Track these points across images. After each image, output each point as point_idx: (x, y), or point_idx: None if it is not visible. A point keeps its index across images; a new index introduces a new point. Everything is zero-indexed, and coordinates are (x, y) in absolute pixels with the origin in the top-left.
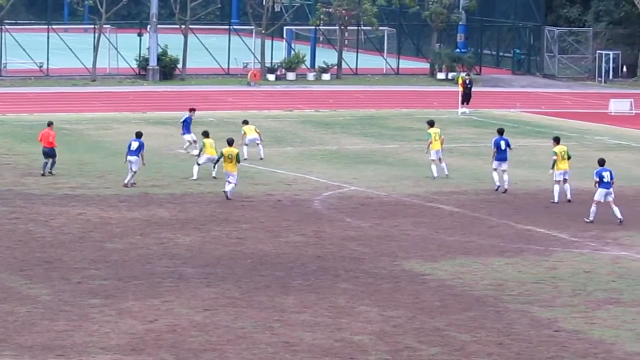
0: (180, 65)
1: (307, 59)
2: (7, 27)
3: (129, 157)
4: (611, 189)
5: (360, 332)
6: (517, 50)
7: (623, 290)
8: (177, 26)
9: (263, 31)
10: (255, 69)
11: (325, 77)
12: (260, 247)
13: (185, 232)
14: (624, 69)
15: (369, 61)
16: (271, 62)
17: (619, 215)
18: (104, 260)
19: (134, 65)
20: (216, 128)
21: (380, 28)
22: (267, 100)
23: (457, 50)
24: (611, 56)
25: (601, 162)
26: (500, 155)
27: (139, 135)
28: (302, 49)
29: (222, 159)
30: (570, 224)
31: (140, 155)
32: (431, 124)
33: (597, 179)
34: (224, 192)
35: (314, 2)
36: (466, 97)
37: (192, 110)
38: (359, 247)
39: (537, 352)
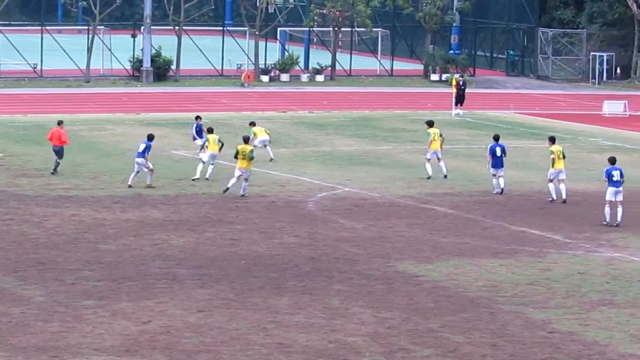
0: (174, 67)
1: (301, 60)
2: (0, 28)
3: (135, 159)
4: (620, 188)
5: (354, 334)
6: (511, 52)
7: (617, 292)
8: (171, 27)
9: (257, 32)
10: (249, 70)
11: (319, 78)
12: (254, 248)
13: (179, 233)
14: (618, 70)
15: (363, 62)
16: (265, 64)
17: (619, 218)
18: (98, 262)
19: (128, 66)
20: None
21: (374, 29)
22: (261, 101)
23: (451, 51)
24: (605, 58)
25: (612, 161)
26: (495, 161)
27: (149, 137)
28: (296, 50)
29: (237, 156)
30: (564, 226)
31: (145, 157)
32: (430, 124)
33: (606, 178)
34: (242, 194)
35: (307, 4)
36: (460, 99)
37: (198, 118)
38: (352, 248)
39: (531, 354)
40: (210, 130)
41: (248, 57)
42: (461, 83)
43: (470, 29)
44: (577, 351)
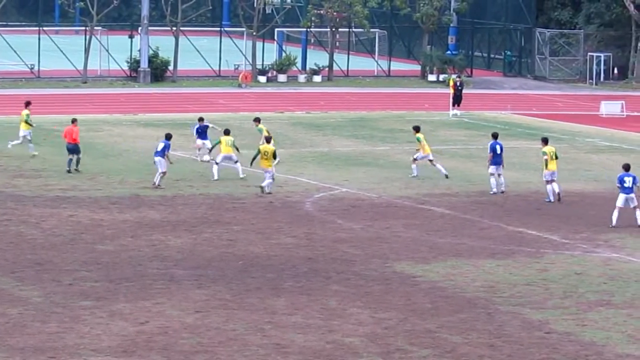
0: (171, 67)
1: (298, 60)
2: None
3: (154, 158)
4: (632, 195)
5: (351, 334)
6: (508, 52)
7: (614, 292)
8: (168, 28)
9: (254, 33)
10: (246, 70)
11: (317, 79)
12: (251, 249)
13: (176, 234)
14: (615, 71)
15: (360, 63)
16: (262, 64)
17: (638, 221)
18: (95, 262)
19: (125, 67)
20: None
21: (372, 30)
22: (258, 102)
23: (448, 52)
24: (602, 58)
25: (626, 168)
26: (497, 159)
27: (167, 136)
28: (293, 50)
29: (258, 156)
30: (562, 226)
31: (165, 155)
32: (417, 129)
33: (618, 184)
34: (260, 186)
35: (305, 4)
36: (457, 99)
37: (200, 119)
38: (350, 249)
39: (528, 354)
40: (226, 132)
41: (245, 58)
42: (458, 84)
43: (468, 30)
44: (575, 352)
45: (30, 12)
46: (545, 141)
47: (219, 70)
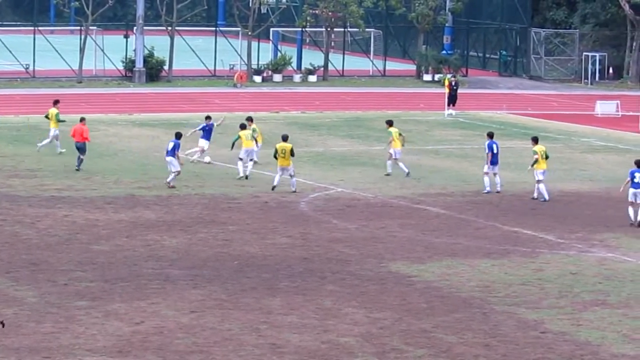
0: (166, 67)
1: (294, 60)
2: None
3: (166, 158)
4: None
5: (346, 334)
6: (504, 52)
7: (609, 292)
8: (164, 28)
9: (249, 33)
10: (241, 70)
11: (312, 78)
12: (246, 249)
13: (171, 234)
14: (610, 70)
15: (356, 63)
16: (257, 64)
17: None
18: (91, 262)
19: (120, 67)
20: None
21: (367, 30)
22: (254, 101)
23: (444, 52)
24: (597, 58)
25: (638, 163)
26: (493, 158)
27: (177, 135)
28: (289, 50)
29: (276, 155)
30: (557, 226)
31: (175, 155)
32: (390, 123)
33: (629, 179)
34: (293, 190)
35: (300, 4)
36: (452, 99)
37: (207, 118)
38: (345, 248)
39: (523, 354)
40: (242, 127)
41: (241, 58)
42: (453, 83)
43: (463, 30)
44: (570, 351)
45: (26, 11)
46: (535, 140)
47: (214, 70)
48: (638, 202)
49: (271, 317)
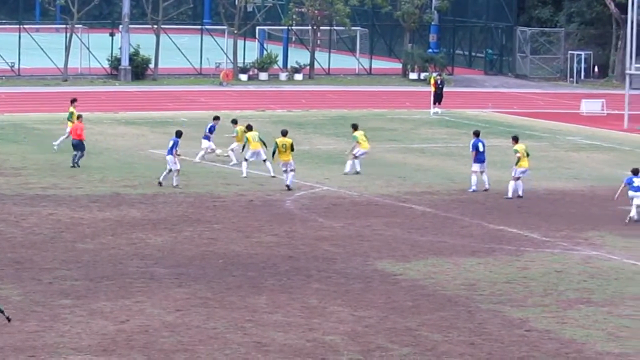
0: (152, 65)
1: (280, 59)
2: None
3: (166, 157)
4: (639, 193)
5: (332, 332)
6: (490, 51)
7: (594, 290)
8: (149, 26)
9: (235, 31)
10: (227, 69)
11: (298, 77)
12: (232, 247)
13: (156, 232)
14: (596, 69)
15: (342, 61)
16: (243, 62)
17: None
18: (75, 261)
19: (106, 65)
20: (189, 128)
21: (353, 28)
22: (240, 100)
23: (430, 50)
24: (583, 56)
25: (635, 172)
26: (480, 156)
27: (177, 134)
28: (275, 49)
29: (277, 150)
30: (542, 224)
31: (173, 153)
32: (355, 127)
33: (626, 184)
34: (286, 185)
35: (286, 2)
36: (438, 98)
37: (216, 118)
38: (331, 247)
39: (508, 352)
40: (249, 128)
41: (227, 56)
42: (439, 82)
43: (449, 28)
44: (555, 349)
45: (11, 9)
46: (515, 139)
47: (200, 68)
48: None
49: (256, 316)
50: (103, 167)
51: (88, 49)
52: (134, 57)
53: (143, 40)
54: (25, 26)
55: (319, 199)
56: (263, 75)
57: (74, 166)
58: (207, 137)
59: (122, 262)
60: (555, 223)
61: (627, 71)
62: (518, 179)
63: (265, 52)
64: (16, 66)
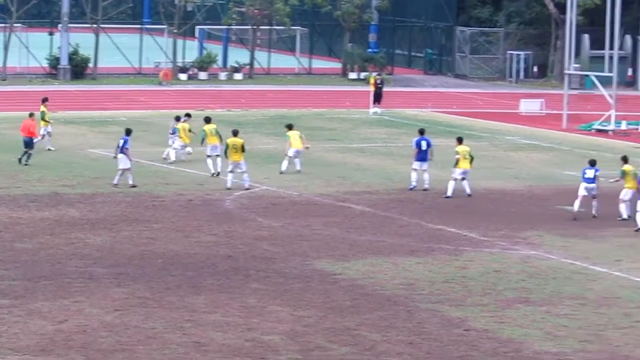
0: (91, 65)
1: (219, 58)
2: None
3: (117, 156)
4: (593, 185)
5: (271, 332)
6: (429, 51)
7: (532, 290)
8: (89, 25)
9: (175, 30)
10: (167, 68)
11: (238, 76)
12: (171, 247)
13: (95, 232)
14: (535, 69)
15: (282, 61)
16: (183, 62)
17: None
18: (14, 261)
19: (45, 64)
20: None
21: (293, 27)
22: (179, 99)
23: (369, 50)
24: (522, 56)
25: (592, 163)
26: (421, 155)
27: (127, 132)
28: (214, 48)
29: (228, 150)
30: (481, 224)
31: (124, 152)
32: (289, 127)
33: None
34: (247, 187)
35: (226, 2)
36: (378, 97)
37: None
38: (270, 246)
39: (447, 351)
40: (207, 120)
41: (166, 55)
42: (379, 81)
43: (389, 28)
44: (493, 349)
45: None
46: (459, 140)
47: (140, 67)
48: (592, 194)
49: (195, 316)
50: (42, 166)
51: (27, 48)
52: (73, 56)
53: (82, 40)
54: None
55: (258, 198)
56: (203, 75)
57: (21, 162)
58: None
59: (60, 262)
60: (494, 222)
61: (566, 71)
62: (463, 179)
63: (204, 52)
64: None
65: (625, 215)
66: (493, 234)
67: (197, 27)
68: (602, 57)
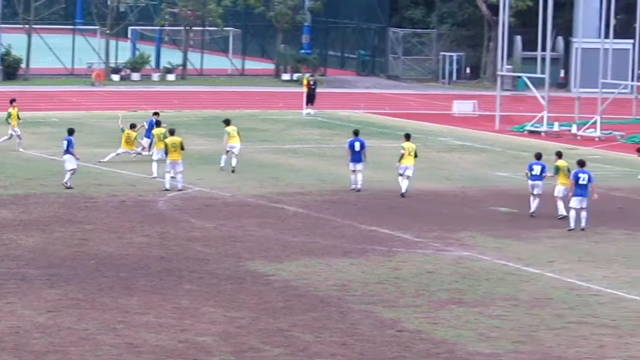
0: (24, 65)
1: (152, 59)
2: None
3: (63, 157)
4: (539, 182)
5: (204, 333)
6: (362, 52)
7: (465, 291)
8: (21, 26)
9: (108, 31)
10: (99, 69)
11: (170, 77)
12: (103, 248)
13: (28, 233)
14: (467, 70)
15: (214, 62)
16: (116, 63)
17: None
18: None
19: None
20: (60, 128)
21: (226, 28)
22: (112, 100)
23: (302, 51)
24: (455, 58)
25: (538, 156)
26: (354, 156)
27: (69, 131)
28: (147, 49)
29: (167, 150)
30: (414, 225)
31: (70, 152)
32: (227, 122)
33: (528, 171)
34: (171, 187)
35: (159, 2)
36: (311, 98)
37: (155, 114)
38: (203, 248)
39: (380, 353)
40: (158, 124)
41: (99, 56)
42: (312, 82)
43: (322, 29)
44: (426, 350)
45: None
46: (407, 137)
47: (72, 68)
48: (536, 193)
49: (128, 317)
50: None
51: None
52: (5, 56)
53: (14, 40)
54: None
55: (192, 199)
56: (135, 76)
57: None
58: (148, 135)
59: None
60: (427, 224)
61: (499, 72)
62: (401, 175)
63: (137, 53)
64: None
65: (564, 212)
66: (426, 235)
67: (130, 28)
68: (534, 59)
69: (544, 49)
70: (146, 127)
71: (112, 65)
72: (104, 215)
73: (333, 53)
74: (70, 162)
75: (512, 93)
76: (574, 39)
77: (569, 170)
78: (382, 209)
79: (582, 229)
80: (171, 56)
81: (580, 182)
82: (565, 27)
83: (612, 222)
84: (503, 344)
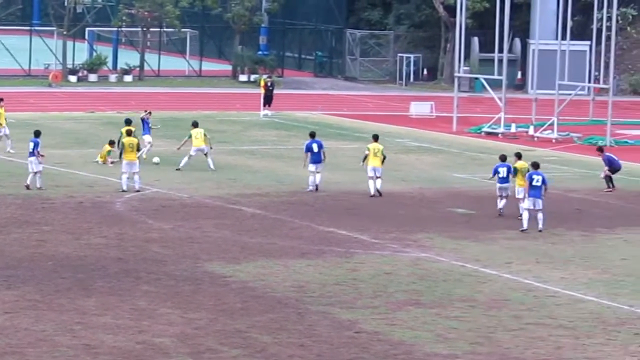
0: None
1: (109, 60)
2: None
3: (28, 159)
4: (506, 185)
5: (161, 335)
6: (319, 53)
7: (423, 292)
8: None
9: (65, 32)
10: (56, 70)
11: (128, 78)
12: (61, 249)
13: None
14: (425, 71)
15: (172, 63)
16: (73, 64)
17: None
18: None
19: None
20: (17, 129)
21: (183, 30)
22: (69, 101)
23: (260, 52)
24: (412, 59)
25: (502, 158)
26: (314, 157)
27: (35, 133)
28: (104, 50)
29: (124, 151)
30: (371, 226)
31: (36, 154)
32: (195, 124)
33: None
34: (128, 187)
35: (116, 4)
36: (268, 99)
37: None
38: (160, 249)
39: (338, 354)
40: (129, 133)
41: (56, 57)
42: (269, 84)
43: (279, 30)
44: (384, 351)
45: None
46: (375, 138)
47: (29, 69)
48: (504, 195)
49: (86, 318)
50: None
51: None
52: None
53: None
54: None
55: (149, 200)
56: (92, 77)
57: None
58: (147, 132)
59: None
60: (384, 225)
61: (456, 74)
62: (371, 177)
63: (94, 54)
64: None
65: None
66: (384, 237)
67: (87, 29)
68: (491, 60)
69: (501, 50)
70: (142, 126)
71: (70, 66)
72: (61, 216)
73: (290, 54)
74: (34, 165)
75: (469, 94)
76: (531, 41)
77: (527, 172)
78: (340, 210)
79: (539, 231)
80: (128, 57)
81: (534, 183)
82: (522, 28)
83: (569, 223)
84: (461, 345)
